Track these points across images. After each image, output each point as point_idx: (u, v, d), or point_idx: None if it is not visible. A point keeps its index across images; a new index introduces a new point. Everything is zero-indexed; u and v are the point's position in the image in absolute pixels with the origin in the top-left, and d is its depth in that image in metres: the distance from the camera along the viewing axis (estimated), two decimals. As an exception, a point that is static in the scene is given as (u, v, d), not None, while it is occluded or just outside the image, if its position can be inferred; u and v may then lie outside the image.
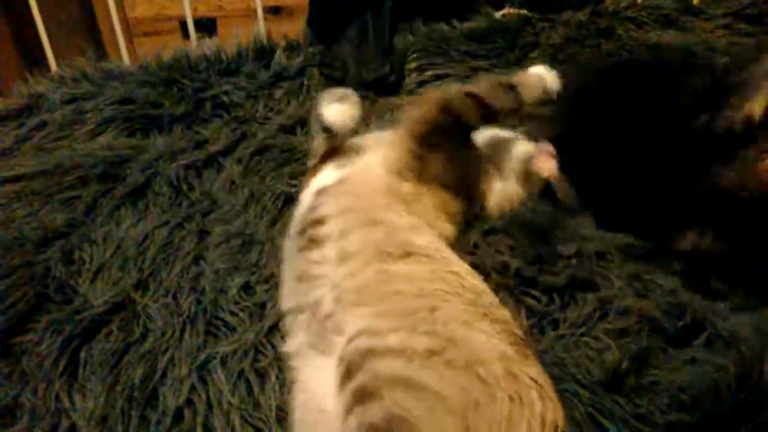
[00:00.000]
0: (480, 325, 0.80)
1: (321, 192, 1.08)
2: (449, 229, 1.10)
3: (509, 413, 0.68)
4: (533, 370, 0.76)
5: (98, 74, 1.91)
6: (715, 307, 1.02)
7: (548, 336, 1.01)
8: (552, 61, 1.90)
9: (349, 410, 0.70)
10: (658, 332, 0.99)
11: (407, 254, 0.93)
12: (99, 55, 2.08)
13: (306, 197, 1.11)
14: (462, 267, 0.97)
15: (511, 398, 0.70)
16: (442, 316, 0.79)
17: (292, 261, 1.03)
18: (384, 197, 1.05)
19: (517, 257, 1.14)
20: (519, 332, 0.84)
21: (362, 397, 0.69)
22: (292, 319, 0.97)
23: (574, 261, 1.12)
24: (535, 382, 0.74)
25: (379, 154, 1.10)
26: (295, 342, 0.93)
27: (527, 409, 0.70)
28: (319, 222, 1.01)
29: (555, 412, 0.73)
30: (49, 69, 2.19)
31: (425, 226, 1.04)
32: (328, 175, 1.13)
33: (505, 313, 0.88)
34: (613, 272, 1.09)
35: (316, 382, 0.84)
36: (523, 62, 1.92)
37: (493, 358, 0.73)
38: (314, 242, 0.98)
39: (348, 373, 0.74)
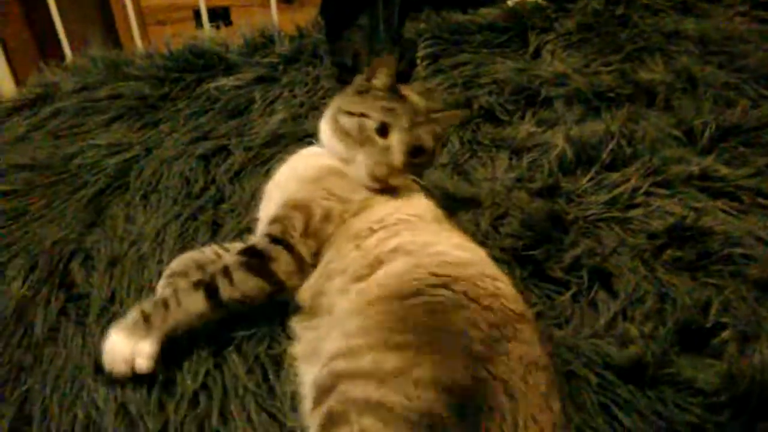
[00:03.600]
0: (454, 319, 0.79)
1: None
2: None
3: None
4: (501, 366, 0.75)
5: (111, 64, 1.92)
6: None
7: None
8: (567, 49, 1.88)
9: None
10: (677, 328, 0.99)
11: (380, 263, 0.93)
12: (113, 44, 2.09)
13: None
14: (449, 242, 0.96)
15: (478, 407, 0.70)
16: (412, 322, 0.79)
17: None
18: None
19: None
20: (507, 303, 0.83)
21: (332, 421, 0.72)
22: (301, 328, 0.98)
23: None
24: (502, 380, 0.73)
25: None
26: (299, 348, 0.96)
27: (497, 416, 0.70)
28: None
29: (525, 407, 0.72)
30: (64, 58, 2.21)
31: (402, 225, 1.01)
32: None
33: (496, 285, 0.86)
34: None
35: (308, 388, 0.86)
36: (537, 51, 1.91)
37: (459, 366, 0.73)
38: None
39: (319, 396, 0.76)
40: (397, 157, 1.04)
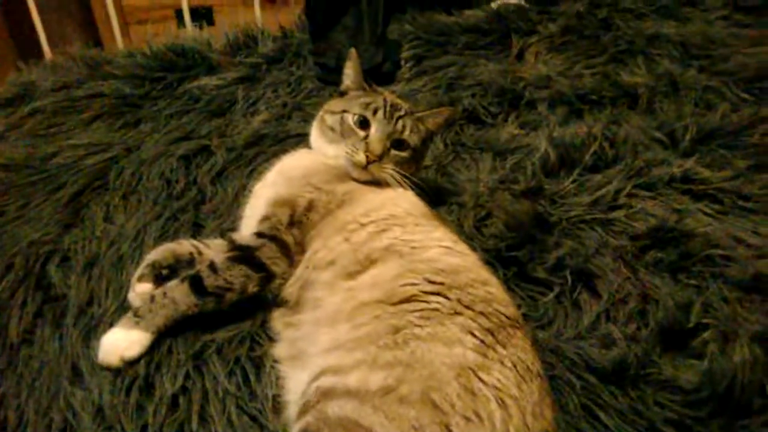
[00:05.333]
0: (445, 330, 0.79)
1: None
2: None
3: None
4: (495, 372, 0.75)
5: (90, 63, 1.90)
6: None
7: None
8: (550, 51, 1.89)
9: None
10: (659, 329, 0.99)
11: (371, 262, 0.93)
12: (94, 42, 2.06)
13: None
14: (439, 245, 0.96)
15: (467, 419, 0.70)
16: (402, 336, 0.79)
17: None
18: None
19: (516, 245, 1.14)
20: (500, 308, 0.84)
21: None
22: (283, 324, 0.98)
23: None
24: (495, 387, 0.73)
25: None
26: (281, 349, 0.95)
27: (487, 425, 0.70)
28: None
29: (519, 410, 0.72)
30: (43, 56, 2.17)
31: (392, 220, 1.02)
32: None
33: (488, 291, 0.87)
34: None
35: (292, 394, 0.87)
36: (521, 53, 1.92)
37: (450, 376, 0.73)
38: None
39: (302, 411, 0.76)
40: (375, 145, 1.10)
